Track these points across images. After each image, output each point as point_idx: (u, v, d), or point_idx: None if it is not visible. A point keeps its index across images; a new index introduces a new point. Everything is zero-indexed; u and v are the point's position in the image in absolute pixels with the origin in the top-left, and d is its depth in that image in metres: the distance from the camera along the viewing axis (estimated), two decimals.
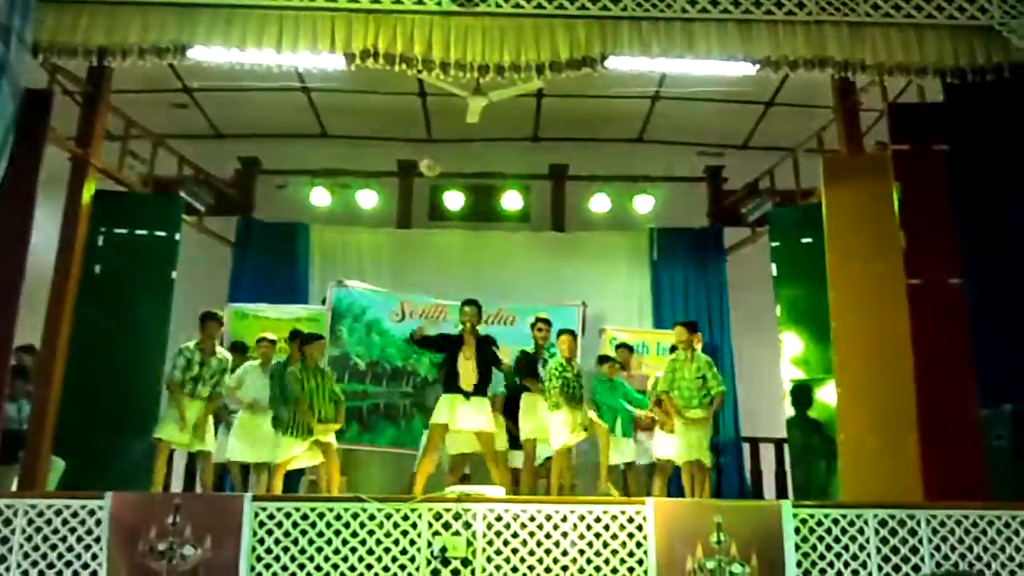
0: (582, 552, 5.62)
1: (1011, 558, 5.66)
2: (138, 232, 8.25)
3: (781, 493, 8.88)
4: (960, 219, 6.68)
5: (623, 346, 8.95)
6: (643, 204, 10.78)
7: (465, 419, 7.14)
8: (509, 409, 7.97)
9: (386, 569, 5.56)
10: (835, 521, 5.70)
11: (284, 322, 9.14)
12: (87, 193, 7.83)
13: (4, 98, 1.21)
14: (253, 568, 5.52)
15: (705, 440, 7.33)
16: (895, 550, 5.66)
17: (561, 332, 7.66)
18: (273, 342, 8.28)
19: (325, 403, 7.14)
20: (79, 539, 5.55)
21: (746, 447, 9.89)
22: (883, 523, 5.70)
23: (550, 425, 7.33)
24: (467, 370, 7.24)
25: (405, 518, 5.65)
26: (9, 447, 6.94)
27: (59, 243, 7.63)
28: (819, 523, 5.69)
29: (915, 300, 6.68)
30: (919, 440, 6.43)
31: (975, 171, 6.69)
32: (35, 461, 7.13)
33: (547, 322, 8.06)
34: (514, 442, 7.83)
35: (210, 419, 7.51)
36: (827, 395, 7.71)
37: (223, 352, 7.70)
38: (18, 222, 6.62)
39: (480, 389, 7.26)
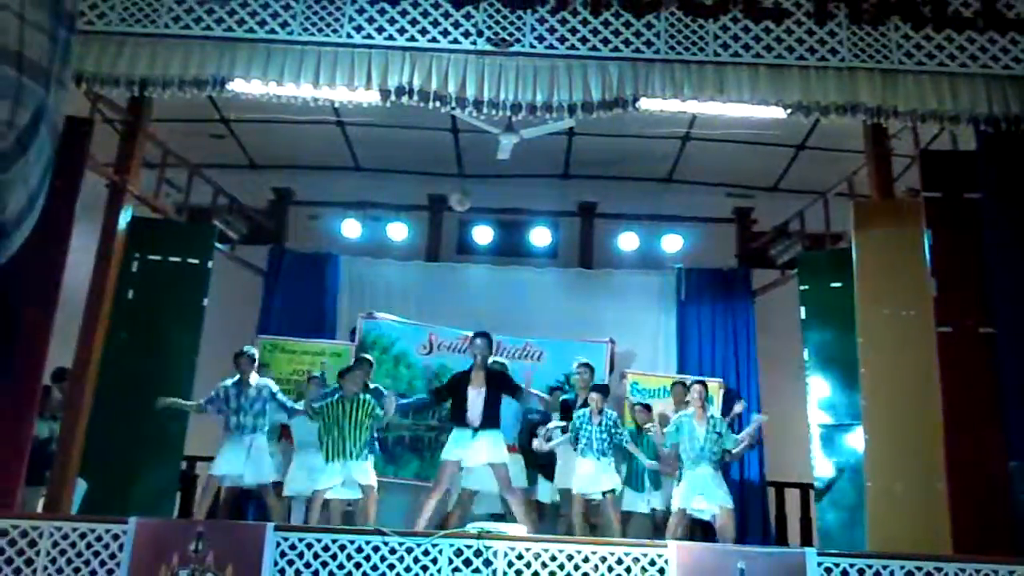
0: None
1: None
2: (172, 259, 8.35)
3: (806, 540, 8.77)
4: (992, 268, 6.62)
5: (642, 405, 9.00)
6: (671, 244, 10.80)
7: (476, 454, 7.15)
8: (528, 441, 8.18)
9: None
10: (861, 571, 5.62)
11: (310, 355, 9.26)
12: (123, 219, 7.97)
13: (43, 140, 1.25)
14: None
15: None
16: None
17: (593, 388, 7.97)
18: (325, 380, 8.39)
19: (358, 432, 7.31)
20: (102, 563, 5.59)
21: (771, 492, 9.78)
22: (910, 575, 5.61)
23: (577, 468, 7.69)
24: (476, 404, 7.23)
25: (426, 553, 5.63)
26: (37, 468, 7.02)
27: (94, 267, 7.75)
28: (844, 572, 5.61)
29: (944, 348, 6.59)
30: (948, 490, 6.34)
31: (1008, 220, 6.63)
32: (62, 483, 7.20)
33: (589, 367, 8.27)
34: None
35: (264, 448, 7.73)
36: (855, 441, 7.63)
37: (262, 380, 7.88)
38: (55, 246, 6.73)
39: (489, 423, 7.24)
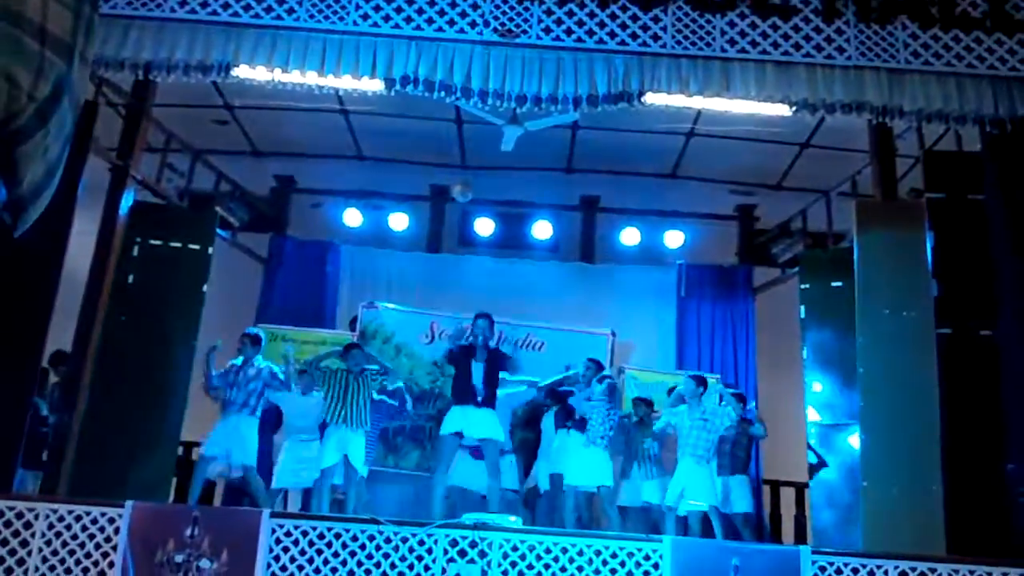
0: None
1: None
2: (172, 244, 8.33)
3: (800, 538, 8.77)
4: (994, 271, 6.62)
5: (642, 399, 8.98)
6: (673, 240, 10.79)
7: (477, 427, 7.26)
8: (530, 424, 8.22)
9: None
10: (855, 570, 5.62)
11: (311, 344, 9.24)
12: (125, 203, 7.96)
13: (64, 114, 1.26)
14: None
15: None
16: None
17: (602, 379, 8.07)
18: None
19: (359, 405, 7.48)
20: (97, 546, 5.59)
21: (766, 489, 9.79)
22: (904, 575, 5.62)
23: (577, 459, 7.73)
24: (478, 379, 7.40)
25: (421, 543, 5.64)
26: (34, 452, 7.02)
27: (95, 251, 7.74)
28: (838, 571, 5.61)
29: (944, 350, 6.60)
30: (944, 492, 6.34)
31: (1011, 223, 6.62)
32: (58, 465, 7.20)
33: (596, 363, 8.30)
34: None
35: (251, 430, 7.68)
36: (851, 441, 7.64)
37: (265, 362, 7.90)
38: (57, 228, 6.72)
39: (490, 400, 7.38)
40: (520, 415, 9.06)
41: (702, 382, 8.09)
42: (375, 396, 7.72)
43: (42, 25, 0.74)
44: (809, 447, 8.09)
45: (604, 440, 7.70)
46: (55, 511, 5.67)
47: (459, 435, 7.31)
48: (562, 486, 7.90)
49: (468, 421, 7.25)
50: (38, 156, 0.79)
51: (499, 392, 7.55)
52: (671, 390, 8.83)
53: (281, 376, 7.86)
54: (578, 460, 7.72)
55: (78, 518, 5.65)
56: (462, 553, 5.61)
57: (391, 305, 9.76)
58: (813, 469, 8.06)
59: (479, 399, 7.30)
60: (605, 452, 7.72)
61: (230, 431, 7.53)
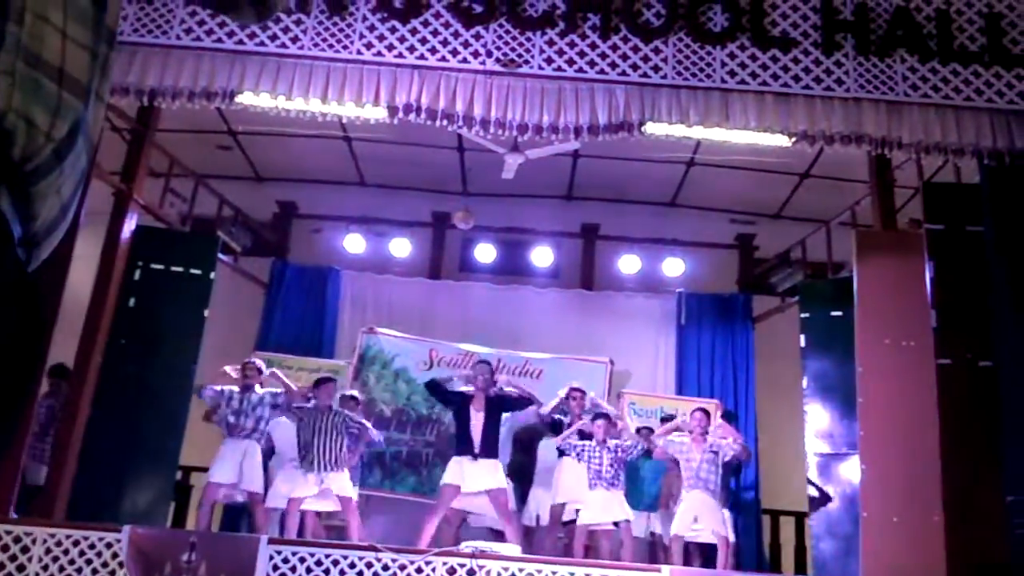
0: None
1: None
2: (174, 269, 8.33)
3: (800, 568, 8.73)
4: (993, 302, 6.63)
5: (645, 428, 8.92)
6: (673, 268, 10.80)
7: (475, 480, 7.15)
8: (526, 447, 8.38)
9: None
10: None
11: (307, 372, 9.21)
12: (128, 228, 7.99)
13: (79, 152, 1.28)
14: None
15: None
16: None
17: (597, 416, 7.85)
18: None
19: (332, 444, 7.27)
20: (94, 571, 5.58)
21: (766, 519, 9.75)
22: None
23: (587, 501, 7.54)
24: (477, 430, 7.30)
25: (419, 570, 5.62)
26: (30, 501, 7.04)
27: (97, 275, 7.75)
28: None
29: (944, 380, 6.59)
30: (944, 523, 6.32)
31: (1009, 254, 6.65)
32: (57, 488, 7.17)
33: (581, 391, 8.23)
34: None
35: (258, 457, 7.63)
36: (851, 471, 7.61)
37: (264, 389, 7.85)
38: (59, 252, 6.70)
39: (489, 450, 7.29)
40: (517, 438, 9.00)
41: (707, 414, 8.09)
42: (351, 430, 7.52)
43: (60, 67, 0.77)
44: (810, 482, 8.03)
45: (609, 483, 7.58)
46: (52, 535, 5.67)
47: (458, 488, 7.24)
48: (561, 515, 7.83)
49: (466, 475, 7.16)
50: (52, 194, 0.82)
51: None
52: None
53: (280, 400, 7.85)
54: (592, 499, 7.58)
55: (76, 543, 5.64)
56: None
57: (391, 331, 9.76)
58: (815, 503, 8.01)
59: (475, 451, 7.20)
60: (611, 491, 7.60)
61: (237, 458, 7.49)
